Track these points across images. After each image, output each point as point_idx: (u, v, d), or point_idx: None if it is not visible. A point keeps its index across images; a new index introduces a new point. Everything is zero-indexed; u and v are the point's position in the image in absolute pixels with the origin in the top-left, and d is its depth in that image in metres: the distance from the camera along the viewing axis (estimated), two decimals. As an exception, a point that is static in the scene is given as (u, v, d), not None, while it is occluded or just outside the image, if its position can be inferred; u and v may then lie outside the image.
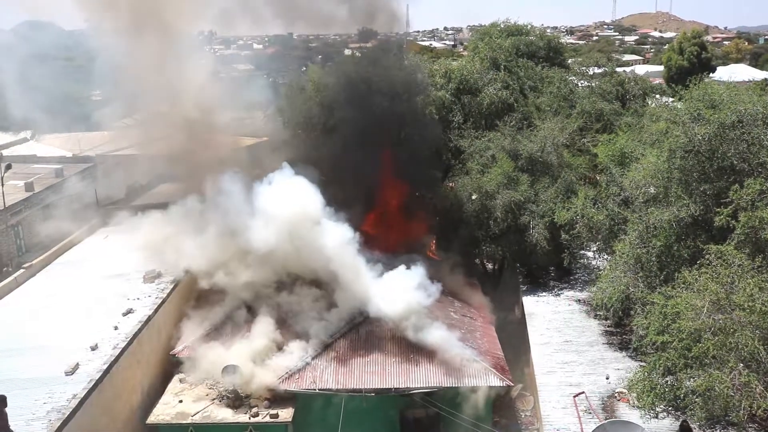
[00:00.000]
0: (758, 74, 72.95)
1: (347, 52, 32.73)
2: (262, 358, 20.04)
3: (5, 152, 38.61)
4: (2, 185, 33.48)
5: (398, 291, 20.24)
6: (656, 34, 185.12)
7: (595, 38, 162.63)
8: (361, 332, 20.76)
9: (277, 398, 19.28)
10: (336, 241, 20.51)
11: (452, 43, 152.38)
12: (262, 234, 20.80)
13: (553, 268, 25.19)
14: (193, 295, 23.13)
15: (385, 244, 22.69)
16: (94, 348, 18.55)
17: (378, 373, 19.58)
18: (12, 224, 33.90)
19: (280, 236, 20.78)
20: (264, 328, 20.77)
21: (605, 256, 22.58)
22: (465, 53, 56.91)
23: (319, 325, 20.71)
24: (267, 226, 20.77)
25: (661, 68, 75.37)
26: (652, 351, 16.25)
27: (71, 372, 17.42)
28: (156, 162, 28.44)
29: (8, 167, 34.83)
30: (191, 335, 21.28)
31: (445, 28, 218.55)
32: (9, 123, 51.01)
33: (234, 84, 31.95)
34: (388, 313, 20.16)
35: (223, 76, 33.57)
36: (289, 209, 20.74)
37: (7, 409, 14.62)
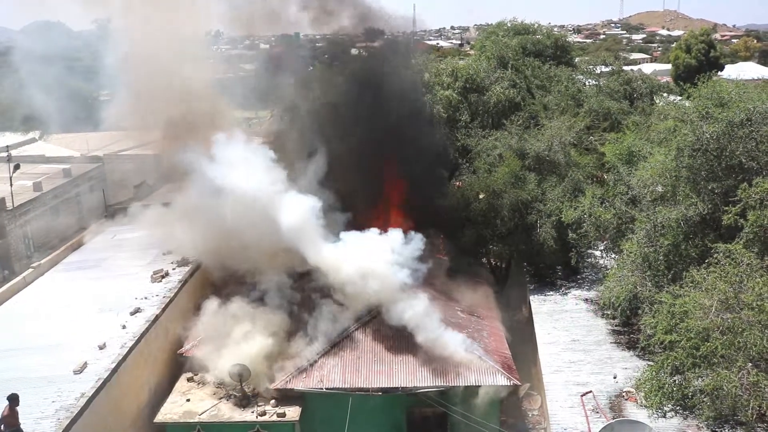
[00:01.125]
0: (767, 72, 72.60)
1: (354, 51, 32.72)
2: (269, 356, 20.10)
3: (14, 152, 38.81)
4: (11, 185, 33.71)
5: (369, 263, 19.74)
6: (664, 32, 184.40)
7: (602, 37, 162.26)
8: (368, 330, 20.77)
9: (284, 397, 19.33)
10: (295, 211, 20.08)
11: (459, 42, 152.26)
12: (223, 213, 20.76)
13: (560, 267, 25.10)
14: (202, 291, 23.17)
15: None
16: (102, 347, 18.64)
17: (385, 372, 19.59)
18: (20, 224, 34.09)
19: (239, 213, 20.62)
20: (271, 324, 20.80)
21: (613, 255, 22.53)
22: (472, 52, 56.86)
23: (327, 323, 20.72)
24: (225, 202, 20.67)
25: (668, 66, 75.10)
26: (659, 350, 16.23)
27: (79, 371, 17.51)
28: (162, 161, 28.52)
29: (17, 167, 35.09)
30: (199, 333, 21.34)
31: (452, 27, 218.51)
32: (18, 123, 51.40)
33: (241, 83, 31.99)
34: (354, 283, 19.81)
35: (230, 75, 33.62)
36: (244, 183, 20.45)
37: (17, 408, 14.75)
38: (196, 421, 18.77)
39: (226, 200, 20.76)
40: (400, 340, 20.23)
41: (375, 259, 19.74)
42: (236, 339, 20.40)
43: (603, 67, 32.52)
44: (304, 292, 21.98)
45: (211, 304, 21.47)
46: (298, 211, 20.11)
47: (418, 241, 20.66)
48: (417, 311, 19.59)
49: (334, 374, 19.53)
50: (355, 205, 22.29)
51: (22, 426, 14.76)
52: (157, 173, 33.23)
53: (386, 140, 23.31)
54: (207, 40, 36.56)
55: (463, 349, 19.54)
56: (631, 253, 18.61)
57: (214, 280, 23.22)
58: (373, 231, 20.60)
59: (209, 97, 24.83)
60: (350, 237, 20.44)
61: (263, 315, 20.98)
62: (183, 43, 24.82)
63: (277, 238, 20.22)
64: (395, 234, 20.55)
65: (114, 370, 17.46)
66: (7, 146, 38.09)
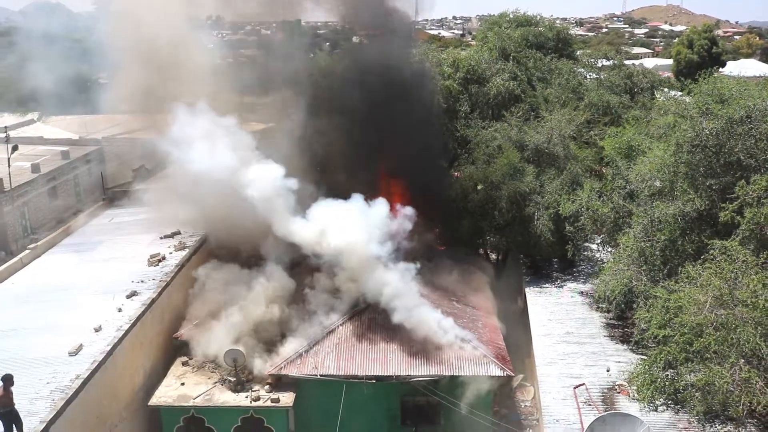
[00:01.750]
0: (768, 70, 72.50)
1: (355, 39, 32.59)
2: (263, 341, 20.22)
3: (12, 133, 38.71)
4: (9, 166, 33.63)
5: (342, 234, 19.64)
6: (666, 27, 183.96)
7: (604, 30, 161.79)
8: (363, 319, 20.84)
9: (278, 383, 19.41)
10: (261, 182, 19.99)
11: (461, 32, 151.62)
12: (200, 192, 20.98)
13: (556, 260, 25.18)
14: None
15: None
16: (97, 329, 18.66)
17: (379, 360, 19.66)
18: (18, 205, 34.04)
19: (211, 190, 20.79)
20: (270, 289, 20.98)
21: (609, 249, 22.57)
22: (473, 43, 56.68)
23: (323, 311, 20.79)
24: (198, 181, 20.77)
25: (670, 62, 75.00)
26: (653, 344, 16.31)
27: (75, 353, 17.55)
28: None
29: (15, 148, 35.00)
30: (194, 317, 21.41)
31: (454, 17, 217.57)
32: (16, 104, 51.19)
33: (241, 69, 31.85)
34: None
35: (230, 60, 33.44)
36: (205, 159, 20.47)
37: (12, 388, 14.77)
38: (190, 404, 18.86)
39: (198, 179, 20.90)
40: (395, 328, 20.27)
41: (348, 231, 19.73)
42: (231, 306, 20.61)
43: (604, 60, 32.47)
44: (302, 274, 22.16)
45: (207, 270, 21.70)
46: (263, 182, 20.14)
47: (400, 214, 20.68)
48: (393, 285, 19.59)
49: (329, 361, 19.59)
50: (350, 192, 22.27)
51: (16, 406, 14.79)
52: (153, 155, 33.13)
53: (385, 129, 23.28)
54: (207, 24, 36.34)
55: (437, 327, 19.58)
56: (627, 247, 18.65)
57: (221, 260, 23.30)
58: (356, 199, 20.56)
59: (200, 76, 24.65)
60: (321, 210, 20.36)
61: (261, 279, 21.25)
62: (175, 21, 24.67)
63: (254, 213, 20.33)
64: (376, 205, 20.50)
65: (109, 353, 17.49)
66: (6, 127, 38.00)
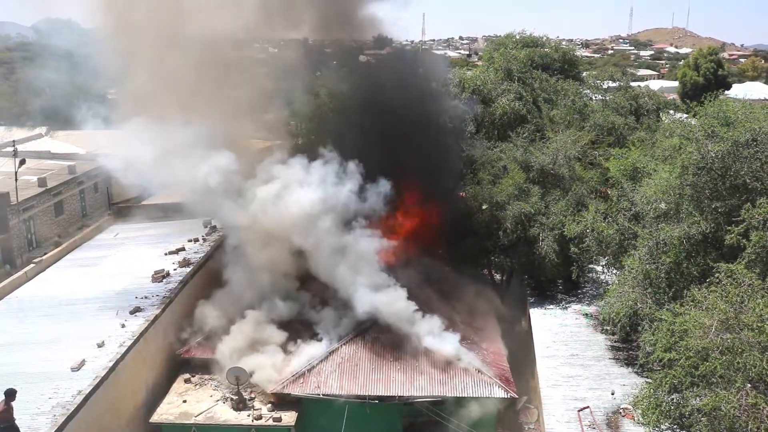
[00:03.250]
0: (774, 93, 72.65)
1: (362, 58, 32.80)
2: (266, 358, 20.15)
3: (20, 147, 38.98)
4: (16, 180, 33.81)
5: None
6: (672, 49, 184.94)
7: (610, 52, 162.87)
8: (367, 338, 20.76)
9: (280, 402, 19.31)
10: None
11: (467, 52, 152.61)
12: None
13: (561, 281, 25.09)
14: (203, 292, 23.14)
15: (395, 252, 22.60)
16: (100, 345, 18.65)
17: (382, 380, 19.56)
18: (24, 219, 34.16)
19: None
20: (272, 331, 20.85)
21: (614, 271, 22.49)
22: (480, 63, 56.99)
23: (326, 330, 20.73)
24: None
25: (675, 84, 75.19)
26: (658, 368, 16.16)
27: (77, 368, 17.52)
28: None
29: (22, 162, 35.22)
30: (198, 335, 21.37)
31: (461, 38, 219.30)
32: (25, 118, 51.58)
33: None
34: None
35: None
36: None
37: (13, 403, 14.73)
38: (191, 422, 18.77)
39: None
40: (398, 348, 20.22)
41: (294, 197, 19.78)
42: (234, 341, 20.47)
43: (610, 82, 32.58)
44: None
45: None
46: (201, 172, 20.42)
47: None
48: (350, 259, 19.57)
49: (332, 380, 19.51)
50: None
51: (17, 422, 14.74)
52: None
53: (391, 148, 23.32)
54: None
55: (405, 308, 19.54)
56: (632, 269, 18.58)
57: None
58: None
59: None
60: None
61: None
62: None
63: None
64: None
65: (112, 369, 17.46)
66: (14, 141, 38.28)
